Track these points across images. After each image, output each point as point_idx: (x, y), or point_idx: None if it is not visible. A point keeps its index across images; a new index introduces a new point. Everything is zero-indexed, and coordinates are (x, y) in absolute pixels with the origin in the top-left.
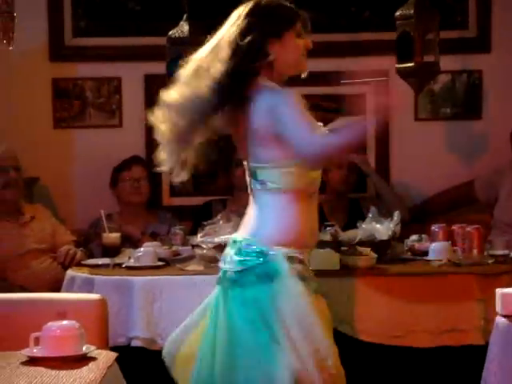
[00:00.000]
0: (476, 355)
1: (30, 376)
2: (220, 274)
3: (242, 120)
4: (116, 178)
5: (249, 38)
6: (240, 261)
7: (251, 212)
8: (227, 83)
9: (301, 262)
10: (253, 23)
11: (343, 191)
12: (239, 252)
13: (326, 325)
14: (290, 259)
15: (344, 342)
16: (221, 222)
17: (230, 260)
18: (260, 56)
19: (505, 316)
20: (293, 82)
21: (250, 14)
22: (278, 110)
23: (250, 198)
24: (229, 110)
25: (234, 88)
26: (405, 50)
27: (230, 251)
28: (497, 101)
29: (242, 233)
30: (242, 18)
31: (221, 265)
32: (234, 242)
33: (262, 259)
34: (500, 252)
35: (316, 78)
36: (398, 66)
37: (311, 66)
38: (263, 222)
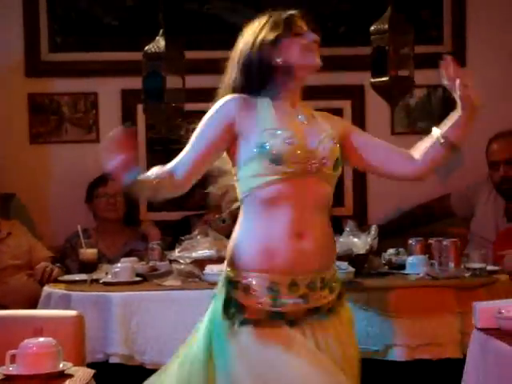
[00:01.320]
0: (453, 368)
1: None
2: None
3: None
4: (91, 194)
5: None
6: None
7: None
8: None
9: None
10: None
11: None
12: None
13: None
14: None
15: None
16: (198, 236)
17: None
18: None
19: (481, 329)
20: None
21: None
22: None
23: None
24: None
25: None
26: (380, 65)
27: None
28: None
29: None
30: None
31: None
32: None
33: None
34: (477, 265)
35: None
36: (372, 80)
37: None
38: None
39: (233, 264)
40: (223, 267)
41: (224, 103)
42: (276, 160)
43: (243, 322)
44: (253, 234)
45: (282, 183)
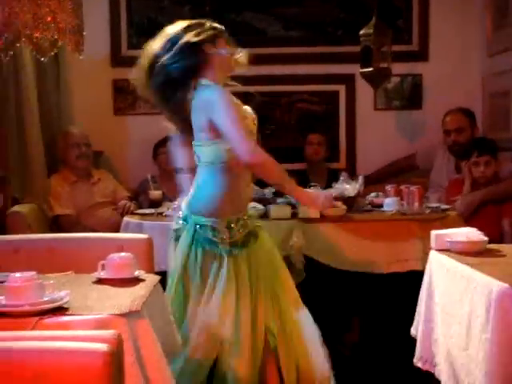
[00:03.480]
0: (417, 278)
1: (98, 291)
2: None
3: (186, 110)
4: (156, 152)
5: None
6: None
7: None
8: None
9: (213, 229)
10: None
11: (317, 161)
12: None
13: (230, 285)
14: (201, 227)
15: (323, 270)
16: None
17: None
18: (199, 56)
19: (437, 250)
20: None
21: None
22: (212, 102)
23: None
24: (175, 102)
25: (180, 85)
26: (366, 59)
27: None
28: (432, 96)
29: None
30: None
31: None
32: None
33: (182, 223)
34: (434, 205)
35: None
36: (361, 70)
37: (303, 70)
38: (194, 192)
39: (202, 211)
40: (251, 205)
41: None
42: None
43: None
44: (224, 189)
45: None
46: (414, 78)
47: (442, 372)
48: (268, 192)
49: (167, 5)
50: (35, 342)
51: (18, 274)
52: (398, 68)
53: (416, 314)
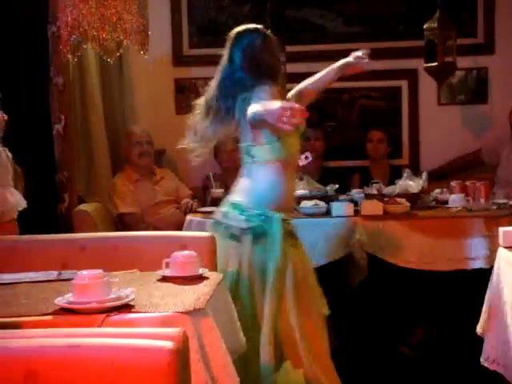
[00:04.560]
0: (483, 276)
1: (163, 289)
2: (220, 226)
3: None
4: (217, 150)
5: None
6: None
7: (243, 181)
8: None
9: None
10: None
11: (378, 158)
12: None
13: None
14: (282, 221)
15: (386, 268)
16: (296, 180)
17: (233, 217)
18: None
19: (505, 247)
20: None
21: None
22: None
23: (242, 170)
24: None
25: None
26: (430, 53)
27: (231, 210)
28: (499, 90)
29: (239, 197)
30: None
31: (221, 219)
32: (233, 203)
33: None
34: (502, 201)
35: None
36: (425, 65)
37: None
38: (254, 189)
39: (274, 206)
40: (313, 202)
41: None
42: None
43: None
44: (284, 185)
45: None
46: (480, 71)
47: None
48: (330, 189)
49: (228, 4)
50: (102, 339)
51: (85, 272)
52: (463, 62)
53: (482, 312)
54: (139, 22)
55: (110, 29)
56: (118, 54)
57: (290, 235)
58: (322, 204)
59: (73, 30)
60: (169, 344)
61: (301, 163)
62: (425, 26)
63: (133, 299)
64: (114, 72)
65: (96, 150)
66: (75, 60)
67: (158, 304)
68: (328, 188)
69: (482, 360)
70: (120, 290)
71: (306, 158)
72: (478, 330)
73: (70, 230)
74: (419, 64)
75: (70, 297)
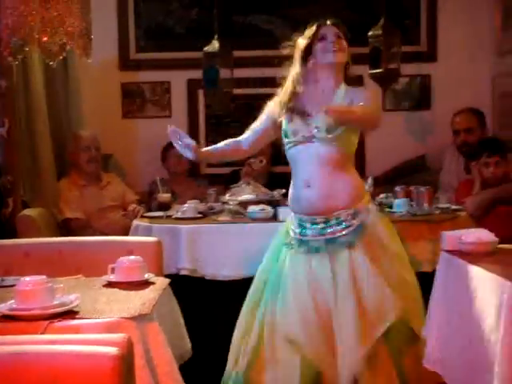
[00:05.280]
0: (427, 279)
1: (108, 294)
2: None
3: None
4: (164, 155)
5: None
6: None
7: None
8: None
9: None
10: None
11: None
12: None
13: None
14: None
15: None
16: (243, 185)
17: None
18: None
19: (447, 251)
20: None
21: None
22: None
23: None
24: None
25: None
26: (375, 60)
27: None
28: (441, 97)
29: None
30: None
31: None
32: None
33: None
34: (444, 205)
35: None
36: (370, 71)
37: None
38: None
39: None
40: (260, 207)
41: None
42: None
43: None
44: (291, 185)
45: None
46: (423, 78)
47: (451, 372)
48: (277, 194)
49: (175, 8)
50: (46, 346)
51: (28, 278)
52: (407, 69)
53: (427, 315)
54: (82, 26)
55: (52, 31)
56: (62, 57)
57: None
58: (268, 208)
59: (13, 33)
60: (113, 350)
61: (255, 167)
62: (370, 33)
63: (77, 305)
64: (60, 75)
65: (41, 154)
66: (17, 63)
67: (103, 310)
68: (275, 193)
69: (424, 361)
70: (64, 296)
71: (261, 161)
72: (422, 332)
73: (14, 235)
74: (364, 70)
75: (12, 303)
